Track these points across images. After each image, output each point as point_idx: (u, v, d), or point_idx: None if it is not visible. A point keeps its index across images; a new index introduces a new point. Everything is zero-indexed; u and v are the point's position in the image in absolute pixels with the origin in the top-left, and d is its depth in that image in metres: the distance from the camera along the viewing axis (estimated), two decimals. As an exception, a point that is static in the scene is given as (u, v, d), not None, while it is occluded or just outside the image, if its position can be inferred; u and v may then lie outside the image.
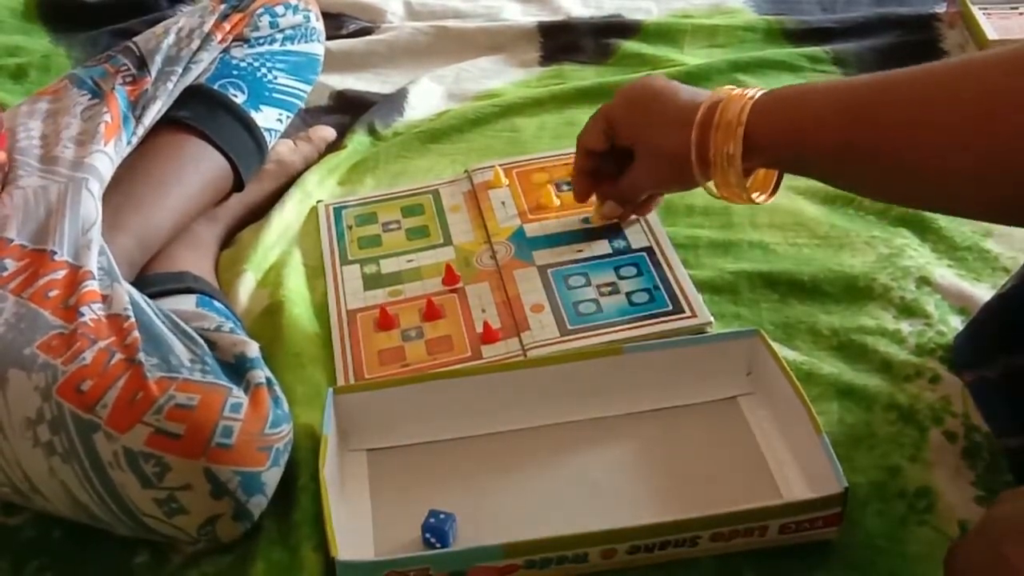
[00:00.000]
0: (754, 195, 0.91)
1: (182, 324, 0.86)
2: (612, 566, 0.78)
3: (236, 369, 0.84)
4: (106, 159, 0.98)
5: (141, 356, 0.80)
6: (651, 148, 0.94)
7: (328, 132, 1.30)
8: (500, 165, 1.20)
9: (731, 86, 0.88)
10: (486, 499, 0.85)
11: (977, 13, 1.39)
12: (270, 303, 1.04)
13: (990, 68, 0.71)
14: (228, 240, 1.15)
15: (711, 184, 0.90)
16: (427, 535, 0.80)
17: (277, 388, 0.84)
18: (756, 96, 0.85)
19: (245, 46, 1.16)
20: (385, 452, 0.89)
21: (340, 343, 1.00)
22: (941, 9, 1.48)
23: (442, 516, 0.80)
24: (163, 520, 0.79)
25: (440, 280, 1.06)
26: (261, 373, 0.84)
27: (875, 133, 0.76)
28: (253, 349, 0.86)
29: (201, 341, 0.85)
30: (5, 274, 0.86)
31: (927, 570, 0.78)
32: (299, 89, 1.21)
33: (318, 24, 1.25)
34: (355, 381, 0.95)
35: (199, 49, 1.12)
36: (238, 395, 0.81)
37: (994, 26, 1.37)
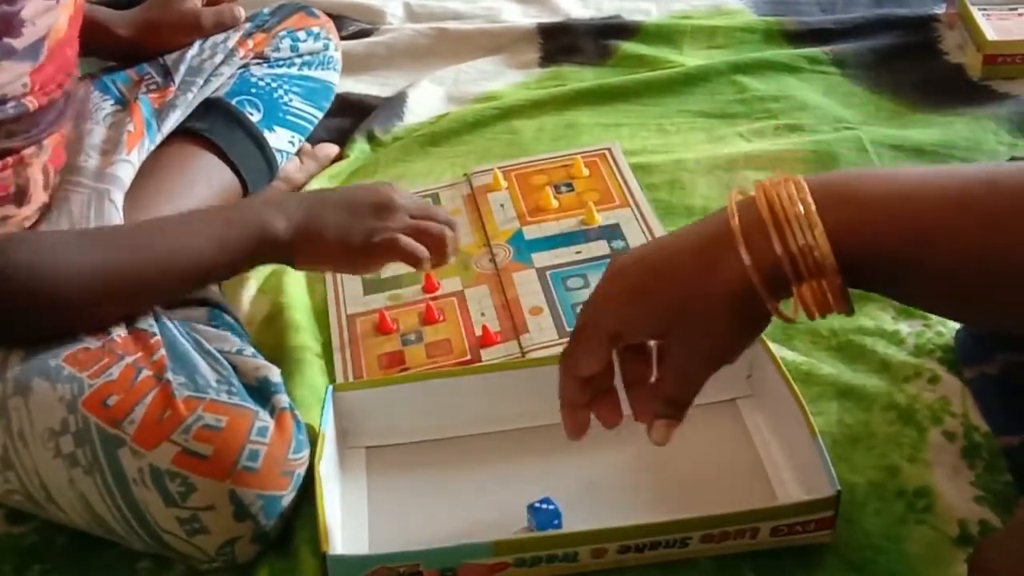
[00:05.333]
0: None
1: (206, 344, 0.86)
2: (603, 566, 0.78)
3: (259, 392, 0.84)
4: (129, 167, 1.00)
5: (169, 375, 0.80)
6: (696, 305, 0.64)
7: (331, 149, 1.31)
8: (499, 168, 1.20)
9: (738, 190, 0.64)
10: (483, 498, 0.85)
11: (976, 14, 1.39)
12: (271, 309, 1.05)
13: None
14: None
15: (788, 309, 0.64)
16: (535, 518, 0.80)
17: (298, 413, 0.85)
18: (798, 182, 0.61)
19: (265, 65, 1.19)
20: (384, 450, 0.89)
21: (340, 348, 1.00)
22: (940, 10, 1.48)
23: (551, 508, 0.80)
24: (183, 539, 0.79)
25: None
26: (285, 398, 0.84)
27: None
28: (276, 374, 0.86)
29: (225, 363, 0.85)
30: None
31: (926, 569, 0.78)
32: (311, 114, 1.22)
33: (336, 54, 1.27)
34: (355, 384, 0.96)
35: (221, 63, 1.14)
36: (264, 419, 0.81)
37: (993, 27, 1.37)
